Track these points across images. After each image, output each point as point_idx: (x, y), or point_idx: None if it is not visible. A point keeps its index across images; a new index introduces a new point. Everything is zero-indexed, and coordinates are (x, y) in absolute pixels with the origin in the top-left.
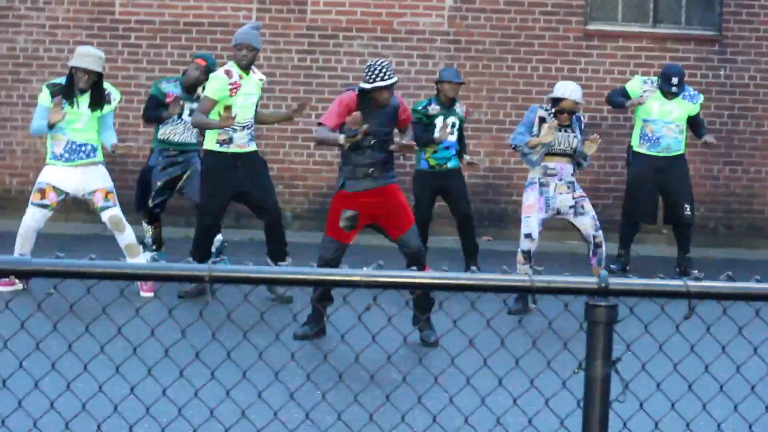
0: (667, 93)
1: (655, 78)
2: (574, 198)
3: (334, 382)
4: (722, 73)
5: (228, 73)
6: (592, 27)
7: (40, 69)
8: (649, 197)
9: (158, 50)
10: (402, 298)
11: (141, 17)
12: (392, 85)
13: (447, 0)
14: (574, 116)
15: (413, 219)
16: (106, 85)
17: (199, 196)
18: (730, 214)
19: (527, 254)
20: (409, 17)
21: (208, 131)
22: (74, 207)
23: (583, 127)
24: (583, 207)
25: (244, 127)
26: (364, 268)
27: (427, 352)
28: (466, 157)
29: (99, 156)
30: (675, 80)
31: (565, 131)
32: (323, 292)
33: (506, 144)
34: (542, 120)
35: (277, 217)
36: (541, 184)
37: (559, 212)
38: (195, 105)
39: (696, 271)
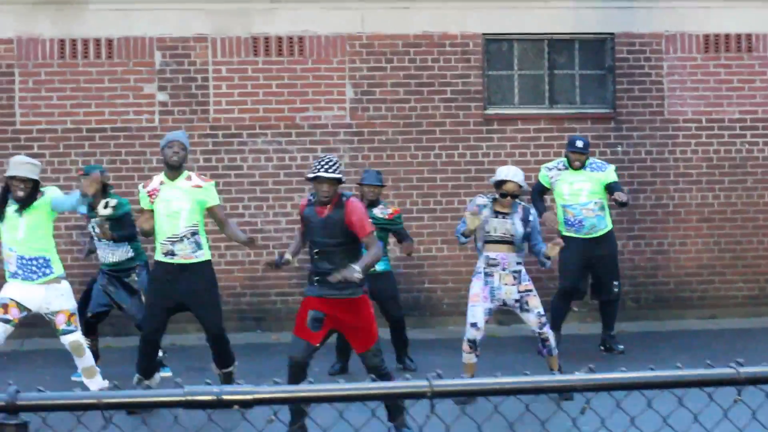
0: (574, 156)
1: (560, 159)
2: (519, 291)
3: None
4: (619, 149)
5: (146, 183)
6: (491, 111)
7: None
8: (579, 276)
9: (62, 159)
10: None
11: (43, 126)
12: (332, 179)
13: (348, 93)
14: (519, 205)
15: (375, 337)
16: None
17: (134, 314)
18: (636, 288)
19: (473, 343)
20: (312, 112)
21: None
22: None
23: (530, 218)
24: (527, 303)
25: (181, 237)
26: (576, 373)
27: None
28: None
29: (57, 269)
30: (580, 143)
31: (503, 218)
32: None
33: (414, 233)
34: (482, 207)
35: (217, 336)
36: (486, 274)
37: (505, 303)
38: (96, 220)
39: (621, 346)
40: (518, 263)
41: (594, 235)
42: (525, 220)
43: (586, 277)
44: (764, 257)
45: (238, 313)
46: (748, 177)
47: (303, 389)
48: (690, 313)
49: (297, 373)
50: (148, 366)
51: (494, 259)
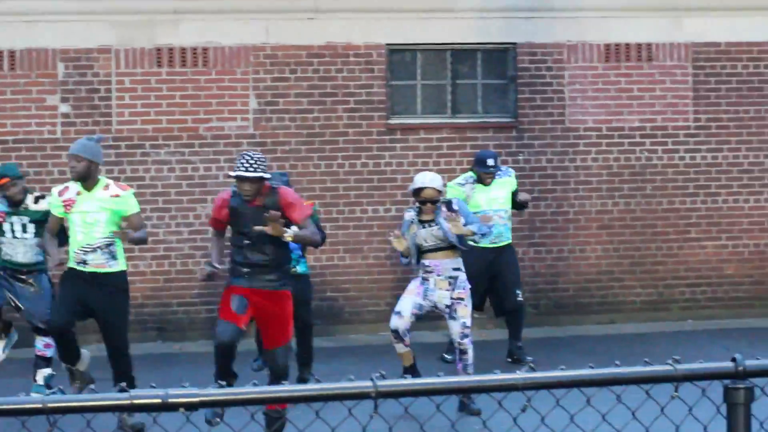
0: (486, 175)
1: (468, 174)
2: (451, 298)
3: None
4: (521, 158)
5: (63, 190)
6: (394, 121)
7: None
8: (480, 288)
9: None
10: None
11: None
12: (252, 178)
13: (251, 103)
14: (441, 206)
15: (289, 336)
16: None
17: (39, 320)
18: (536, 294)
19: (396, 333)
20: (215, 122)
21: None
22: None
23: (454, 208)
24: (455, 311)
25: (95, 248)
26: (517, 372)
27: None
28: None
29: None
30: (491, 161)
31: (429, 226)
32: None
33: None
34: (407, 223)
35: (118, 349)
36: (423, 279)
37: (436, 307)
38: (25, 218)
39: (529, 358)
40: (455, 269)
41: (498, 245)
42: (453, 212)
43: (486, 289)
44: (662, 263)
45: (139, 323)
46: (647, 184)
47: (247, 391)
48: (589, 319)
49: (226, 356)
50: (69, 353)
51: (428, 266)
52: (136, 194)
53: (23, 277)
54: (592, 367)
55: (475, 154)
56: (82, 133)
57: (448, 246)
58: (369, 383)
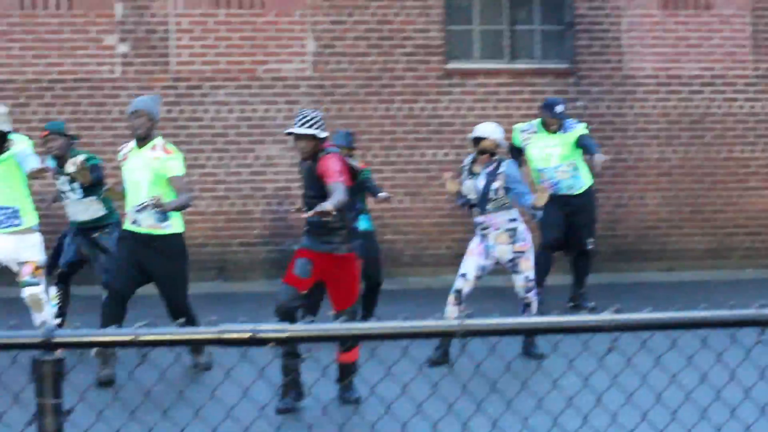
0: (552, 121)
1: (535, 122)
2: (513, 252)
3: None
4: (579, 104)
5: (126, 144)
6: (451, 65)
7: None
8: (558, 228)
9: (23, 109)
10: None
11: (3, 77)
12: (305, 135)
13: (309, 46)
14: (500, 162)
15: (353, 299)
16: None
17: (102, 272)
18: (596, 240)
19: (458, 293)
20: (273, 64)
21: None
22: None
23: (500, 170)
24: (518, 266)
25: (143, 207)
26: (603, 313)
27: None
28: (381, 195)
29: (28, 221)
30: (559, 108)
31: (475, 178)
32: (290, 354)
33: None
34: (464, 168)
35: (176, 313)
36: (482, 235)
37: (499, 262)
38: (66, 176)
39: (591, 304)
40: (511, 220)
41: (572, 193)
42: (493, 173)
43: (563, 230)
44: (722, 211)
45: (198, 264)
46: (706, 133)
47: (335, 327)
48: (649, 266)
49: (284, 320)
50: (115, 319)
51: (482, 222)
52: (194, 135)
53: (93, 235)
54: (677, 310)
55: (544, 99)
56: (142, 74)
57: (495, 198)
58: (455, 321)
